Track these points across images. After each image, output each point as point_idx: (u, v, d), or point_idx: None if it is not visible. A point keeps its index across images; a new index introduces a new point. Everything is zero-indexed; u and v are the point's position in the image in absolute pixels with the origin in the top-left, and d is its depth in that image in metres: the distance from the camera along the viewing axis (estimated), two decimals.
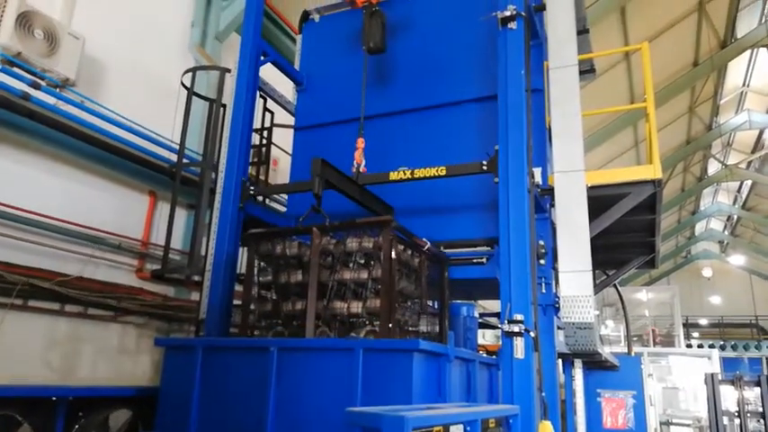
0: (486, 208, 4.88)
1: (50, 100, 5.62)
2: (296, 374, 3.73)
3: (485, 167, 4.51)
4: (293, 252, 4.25)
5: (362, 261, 4.04)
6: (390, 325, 3.74)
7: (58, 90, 5.76)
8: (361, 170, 4.80)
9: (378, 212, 4.84)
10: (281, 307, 4.20)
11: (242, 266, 4.88)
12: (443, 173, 4.64)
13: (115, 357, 6.38)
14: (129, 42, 6.90)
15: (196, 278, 5.43)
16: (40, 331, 5.65)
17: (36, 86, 5.48)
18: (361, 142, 4.90)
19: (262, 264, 4.42)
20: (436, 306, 4.78)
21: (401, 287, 4.04)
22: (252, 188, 5.20)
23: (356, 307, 3.91)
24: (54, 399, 3.87)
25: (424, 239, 4.43)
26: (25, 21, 5.42)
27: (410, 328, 4.21)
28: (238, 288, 4.87)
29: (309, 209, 4.30)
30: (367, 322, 3.87)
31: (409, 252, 4.27)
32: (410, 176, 4.72)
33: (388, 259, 3.85)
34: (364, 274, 3.96)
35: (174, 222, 5.46)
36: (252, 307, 4.35)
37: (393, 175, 4.78)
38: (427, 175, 4.67)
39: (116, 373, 6.35)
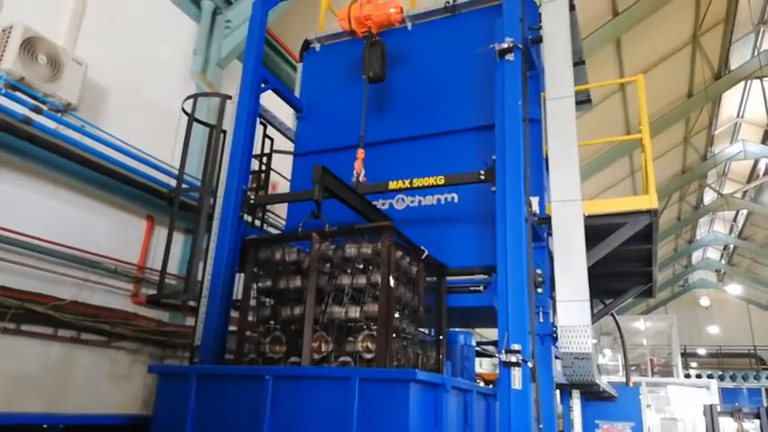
0: (484, 236, 4.89)
1: (51, 124, 5.67)
2: (291, 403, 3.68)
3: (482, 177, 4.57)
4: (292, 258, 4.26)
5: (361, 267, 4.05)
6: (387, 330, 3.72)
7: (59, 114, 5.80)
8: (360, 180, 4.85)
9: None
10: (279, 312, 4.19)
11: (238, 293, 4.86)
12: (441, 182, 4.71)
13: (108, 383, 6.30)
14: (131, 68, 6.99)
15: (192, 304, 5.40)
16: (33, 356, 5.59)
17: (38, 111, 5.53)
18: (360, 153, 4.96)
19: (260, 270, 4.41)
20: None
21: (399, 294, 4.04)
22: (252, 198, 5.24)
23: (354, 312, 3.90)
24: (45, 426, 3.81)
25: (422, 248, 4.45)
26: (29, 46, 5.49)
27: (407, 336, 4.18)
28: (234, 314, 4.84)
29: (309, 215, 4.31)
30: (365, 327, 3.85)
31: (407, 260, 4.27)
32: (409, 186, 4.78)
33: (386, 264, 3.85)
34: (363, 280, 3.96)
35: (172, 247, 5.45)
36: (250, 314, 4.33)
37: (392, 185, 4.83)
38: (425, 184, 4.74)
39: (108, 399, 6.26)
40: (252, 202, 5.27)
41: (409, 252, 4.32)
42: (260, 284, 4.34)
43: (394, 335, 3.85)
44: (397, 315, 3.94)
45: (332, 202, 4.44)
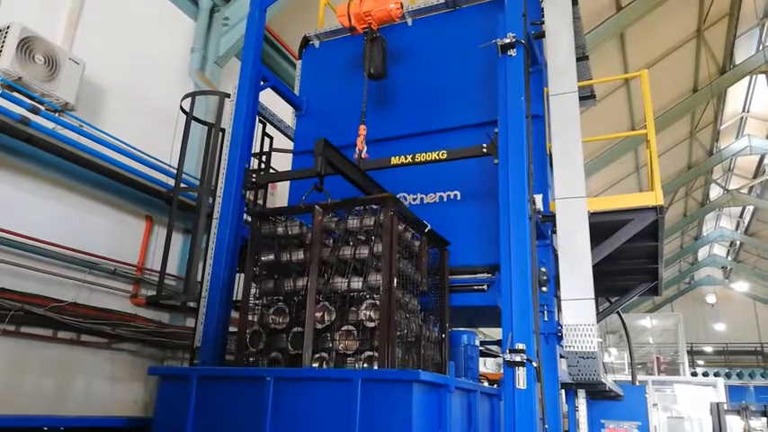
0: (487, 234, 4.82)
1: (49, 125, 5.63)
2: (292, 405, 3.64)
3: (485, 150, 4.56)
4: (295, 231, 4.28)
5: (363, 239, 4.06)
6: (390, 299, 3.71)
7: (57, 115, 5.76)
8: (363, 156, 4.86)
9: None
10: (282, 284, 4.20)
11: (238, 293, 4.80)
12: (444, 156, 4.70)
13: (108, 385, 6.26)
14: (129, 67, 6.95)
15: (192, 304, 5.35)
16: (33, 358, 5.55)
17: (35, 111, 5.49)
18: (362, 129, 4.96)
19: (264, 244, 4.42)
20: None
21: (402, 267, 4.05)
22: (254, 177, 5.23)
23: (357, 282, 3.90)
24: (45, 429, 3.79)
25: (425, 222, 4.47)
26: (26, 46, 5.44)
27: (410, 310, 4.20)
28: (235, 315, 4.79)
29: (312, 188, 4.32)
30: (367, 296, 3.85)
31: (410, 235, 4.28)
32: (411, 161, 4.76)
33: (389, 234, 3.84)
34: (365, 251, 3.97)
35: (171, 247, 5.40)
36: (253, 290, 4.32)
37: (394, 160, 4.82)
38: (427, 158, 4.74)
39: (109, 401, 6.22)
40: (254, 180, 5.25)
41: (412, 225, 4.35)
42: (263, 258, 4.34)
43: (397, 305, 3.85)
44: (399, 287, 3.94)
45: (334, 182, 4.43)
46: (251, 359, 4.16)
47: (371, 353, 3.70)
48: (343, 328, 3.84)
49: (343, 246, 4.06)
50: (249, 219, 4.78)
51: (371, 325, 3.76)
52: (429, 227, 4.51)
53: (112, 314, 6.23)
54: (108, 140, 6.21)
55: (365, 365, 3.70)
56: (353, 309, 3.89)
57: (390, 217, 3.88)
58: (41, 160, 5.65)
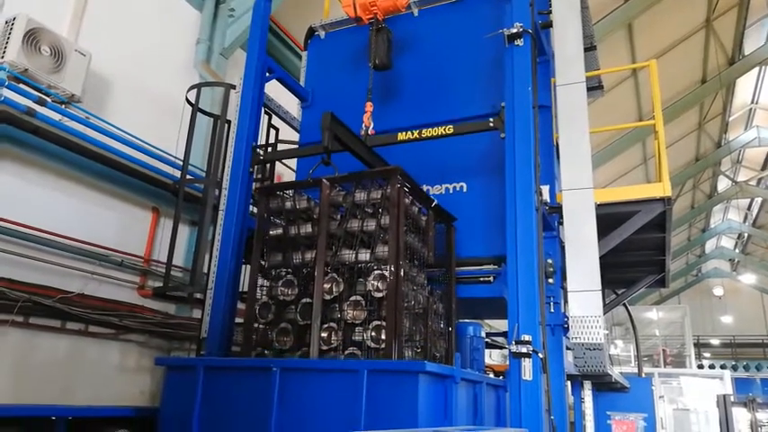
0: (494, 225, 4.81)
1: (55, 116, 5.63)
2: (299, 395, 3.65)
3: (491, 124, 4.57)
4: (303, 206, 4.32)
5: (371, 211, 4.11)
6: (398, 270, 3.77)
7: (63, 106, 5.76)
8: (369, 132, 4.90)
9: None
10: (290, 258, 4.26)
11: (244, 285, 4.81)
12: (451, 131, 4.71)
13: (115, 376, 6.31)
14: (134, 59, 6.94)
15: (198, 296, 5.37)
16: (41, 349, 5.59)
17: (42, 103, 5.50)
18: (369, 106, 4.99)
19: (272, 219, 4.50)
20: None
21: (408, 241, 4.10)
22: (261, 155, 5.27)
23: (364, 254, 3.94)
24: (53, 418, 3.81)
25: (431, 197, 4.54)
26: (33, 38, 5.44)
27: (417, 283, 4.27)
28: (241, 306, 4.80)
29: (319, 162, 4.37)
30: (375, 268, 3.88)
31: (416, 209, 4.32)
32: (417, 137, 4.79)
33: (395, 206, 3.89)
34: (372, 224, 4.01)
35: (177, 239, 5.41)
36: (263, 262, 4.38)
37: (401, 136, 4.85)
38: (434, 134, 4.75)
39: (116, 391, 6.27)
40: (261, 157, 5.28)
41: (419, 199, 4.40)
42: (272, 232, 4.40)
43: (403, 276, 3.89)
44: (406, 261, 3.99)
45: (340, 161, 4.46)
46: (260, 328, 4.20)
47: (379, 322, 3.74)
48: (351, 299, 3.88)
49: (351, 219, 4.10)
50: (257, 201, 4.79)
51: (379, 295, 3.80)
52: (435, 201, 4.57)
53: (120, 305, 6.26)
54: (114, 132, 6.21)
55: (373, 334, 3.74)
56: (361, 280, 3.93)
57: (397, 189, 3.92)
58: (48, 152, 5.66)
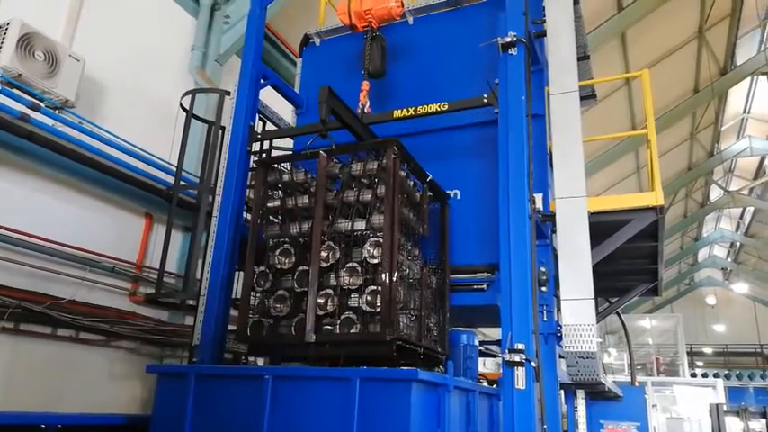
0: (487, 233, 4.81)
1: (49, 122, 5.61)
2: (291, 403, 3.64)
3: (485, 100, 4.63)
4: (300, 179, 4.41)
5: (366, 182, 4.18)
6: (393, 237, 3.84)
7: (57, 112, 5.74)
8: (366, 111, 4.98)
9: None
10: (288, 228, 4.34)
11: (237, 292, 4.79)
12: (445, 108, 4.81)
13: (106, 383, 6.25)
14: (129, 64, 6.93)
15: (190, 302, 5.34)
16: (31, 355, 5.54)
17: (35, 108, 5.47)
18: (365, 85, 5.07)
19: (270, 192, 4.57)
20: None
21: (403, 215, 4.17)
22: (259, 133, 5.31)
23: (360, 223, 4.03)
24: (43, 426, 3.77)
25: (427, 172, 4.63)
26: (27, 42, 5.43)
27: (412, 255, 4.34)
28: (233, 313, 4.78)
29: (316, 135, 4.46)
30: (371, 235, 3.96)
31: (412, 183, 4.40)
32: (413, 113, 4.86)
33: (391, 176, 3.96)
34: (368, 194, 4.08)
35: (170, 245, 5.39)
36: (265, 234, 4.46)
37: (397, 113, 4.93)
38: (429, 111, 4.84)
39: (107, 399, 6.21)
40: (259, 136, 5.31)
41: (414, 172, 4.48)
42: (269, 205, 4.48)
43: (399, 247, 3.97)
44: (401, 234, 4.07)
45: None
46: (257, 298, 4.25)
47: (375, 287, 3.81)
48: (347, 265, 3.95)
49: (347, 190, 4.18)
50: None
51: (375, 261, 3.87)
52: (430, 176, 4.65)
53: (111, 312, 6.21)
54: (108, 138, 6.19)
55: (368, 298, 3.81)
56: (357, 248, 4.00)
57: (393, 160, 4.00)
58: (41, 157, 5.63)
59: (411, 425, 3.28)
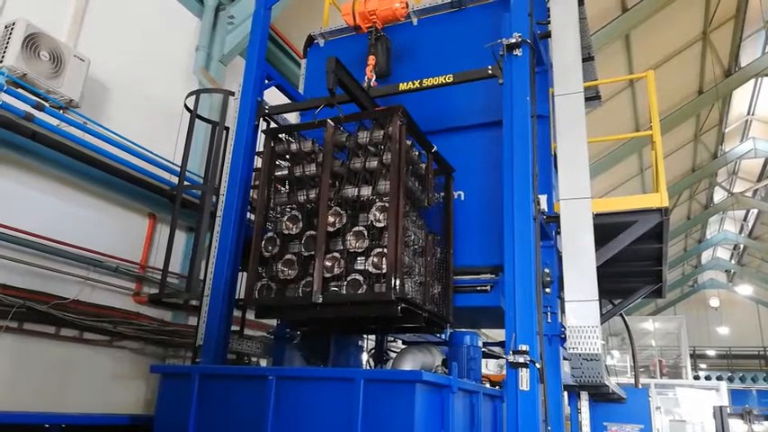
0: (491, 234, 4.80)
1: (53, 121, 5.62)
2: (295, 404, 3.64)
3: (490, 71, 4.64)
4: (308, 148, 4.45)
5: (373, 150, 4.22)
6: (398, 202, 3.89)
7: (61, 112, 5.75)
8: (372, 84, 5.05)
9: None
10: (296, 195, 4.41)
11: (240, 292, 4.79)
12: (450, 80, 4.80)
13: (110, 383, 6.26)
14: (133, 65, 6.95)
15: (194, 302, 5.34)
16: (35, 355, 5.55)
17: (40, 108, 5.48)
18: (372, 59, 5.15)
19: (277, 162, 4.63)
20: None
21: (409, 186, 4.21)
22: (267, 108, 5.35)
23: (366, 189, 4.09)
24: (47, 426, 3.78)
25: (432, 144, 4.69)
26: (32, 43, 5.44)
27: (417, 225, 4.41)
28: (237, 314, 4.78)
29: (322, 105, 4.50)
30: (377, 200, 4.02)
31: (417, 153, 4.43)
32: (419, 86, 4.87)
33: (396, 142, 4.00)
34: (374, 162, 4.12)
35: (174, 245, 5.40)
36: (270, 200, 4.52)
37: (402, 86, 4.94)
38: (434, 83, 4.84)
39: (111, 399, 6.22)
40: (267, 110, 5.33)
41: (419, 142, 4.54)
42: (277, 174, 4.54)
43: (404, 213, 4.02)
44: (407, 202, 4.13)
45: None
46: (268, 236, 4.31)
47: (381, 249, 3.85)
48: (354, 229, 4.00)
49: (354, 158, 4.22)
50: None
51: (380, 225, 3.92)
52: (435, 147, 4.69)
53: (115, 312, 6.22)
54: (112, 138, 6.20)
55: (375, 260, 3.85)
56: (364, 214, 4.06)
57: (399, 127, 4.04)
58: (45, 157, 5.64)
59: (415, 426, 3.27)
